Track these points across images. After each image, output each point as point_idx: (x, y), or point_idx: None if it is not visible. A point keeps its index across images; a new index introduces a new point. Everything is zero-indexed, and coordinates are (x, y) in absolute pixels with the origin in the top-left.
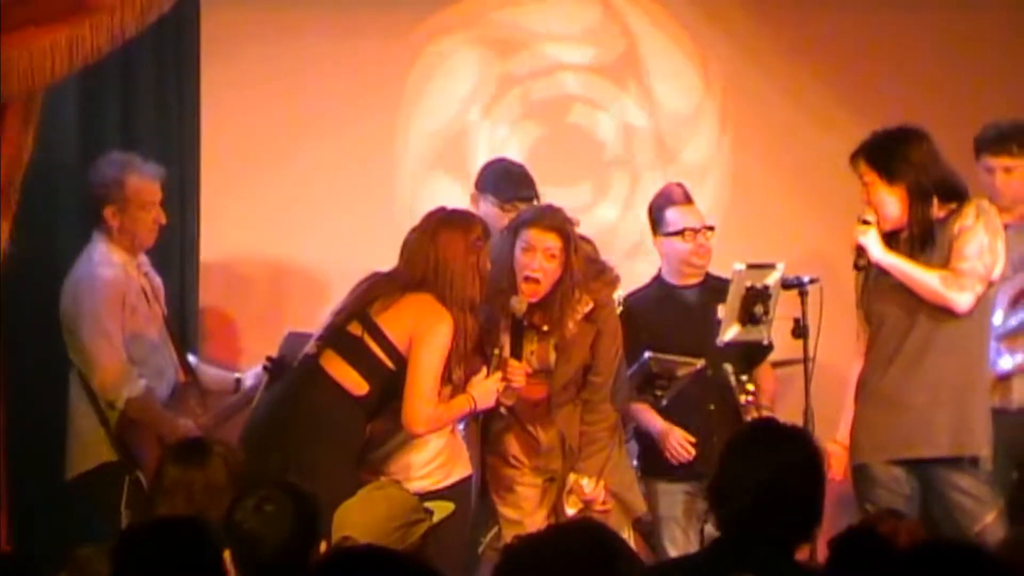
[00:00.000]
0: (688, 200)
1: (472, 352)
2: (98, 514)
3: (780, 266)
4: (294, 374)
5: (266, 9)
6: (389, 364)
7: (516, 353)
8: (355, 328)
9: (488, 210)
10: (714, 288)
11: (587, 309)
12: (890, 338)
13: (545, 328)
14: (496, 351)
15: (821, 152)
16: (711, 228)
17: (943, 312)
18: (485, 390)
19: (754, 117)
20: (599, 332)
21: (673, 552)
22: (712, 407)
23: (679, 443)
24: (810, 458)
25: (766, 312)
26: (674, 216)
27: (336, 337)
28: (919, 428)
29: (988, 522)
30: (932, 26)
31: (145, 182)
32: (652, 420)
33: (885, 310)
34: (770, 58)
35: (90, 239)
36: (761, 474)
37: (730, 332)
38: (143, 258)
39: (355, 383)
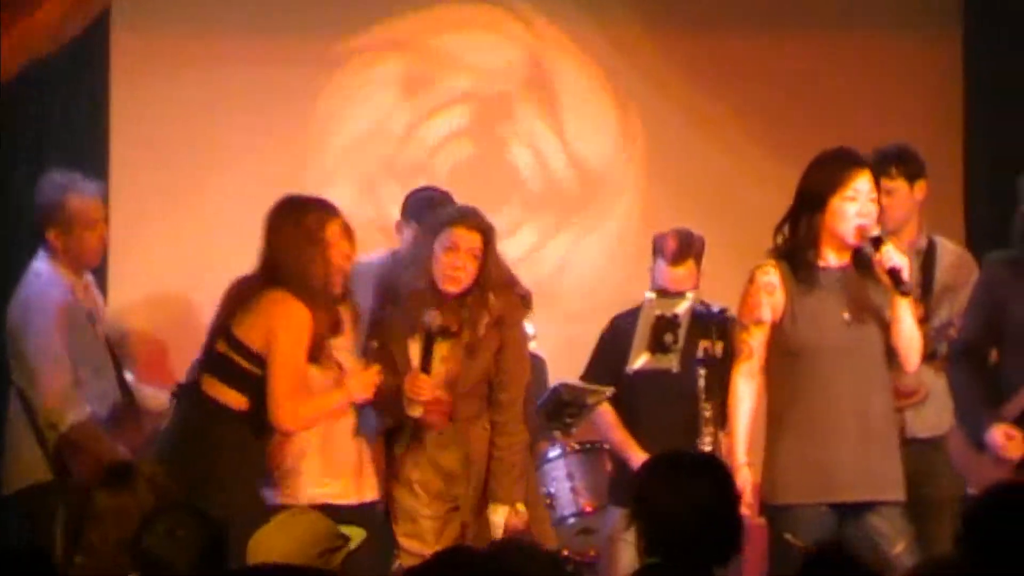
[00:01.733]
0: (679, 259)
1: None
2: (33, 533)
3: (689, 295)
4: (183, 402)
5: (176, 38)
6: (257, 371)
7: (425, 367)
8: (221, 346)
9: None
10: (698, 315)
11: (497, 314)
12: (824, 370)
13: (454, 329)
14: (375, 343)
15: (732, 183)
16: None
17: (877, 350)
18: (361, 382)
19: (667, 149)
20: (504, 344)
21: None
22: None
23: None
24: (729, 484)
25: (675, 340)
26: (658, 272)
27: (208, 360)
28: (854, 470)
29: (900, 550)
30: (844, 55)
31: (87, 202)
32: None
33: (821, 342)
34: (674, 86)
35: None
36: (685, 500)
37: (639, 360)
38: (89, 277)
39: (235, 399)
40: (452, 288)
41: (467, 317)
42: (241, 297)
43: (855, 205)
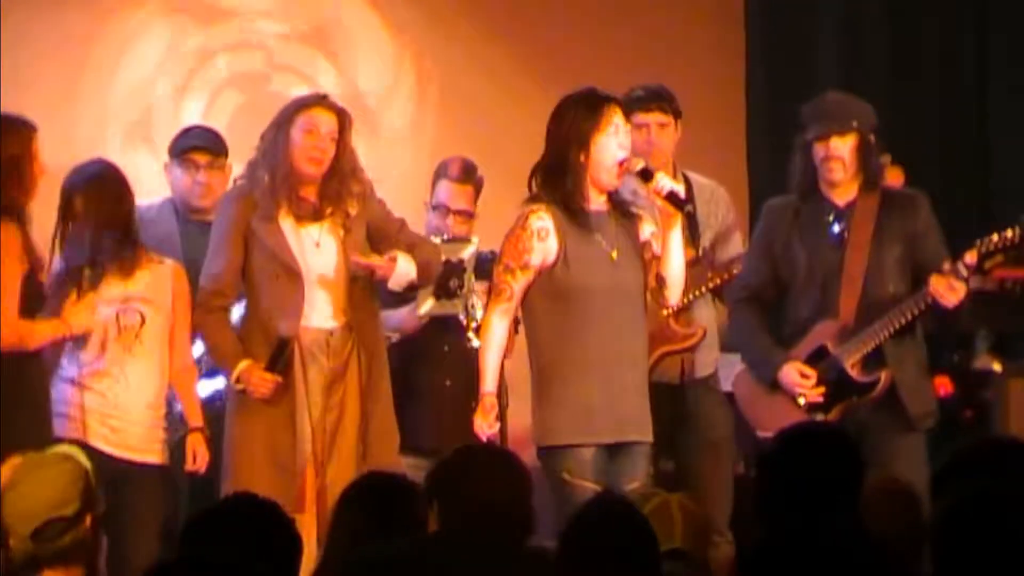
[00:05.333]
0: (464, 179)
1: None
2: None
3: (475, 240)
4: None
5: None
6: None
7: (271, 368)
8: None
9: (173, 171)
10: (483, 260)
11: (359, 191)
12: (592, 312)
13: (329, 211)
14: (87, 271)
15: (512, 125)
16: (466, 214)
17: (638, 293)
18: (78, 314)
19: (448, 94)
20: (371, 213)
21: None
22: (448, 383)
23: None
24: (522, 476)
25: (461, 286)
26: (441, 190)
27: None
28: (617, 412)
29: (633, 488)
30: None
31: None
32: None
33: (593, 283)
34: (463, 31)
35: None
36: (473, 504)
37: (425, 306)
38: None
39: None
40: (316, 170)
41: (334, 196)
42: None
43: (616, 139)
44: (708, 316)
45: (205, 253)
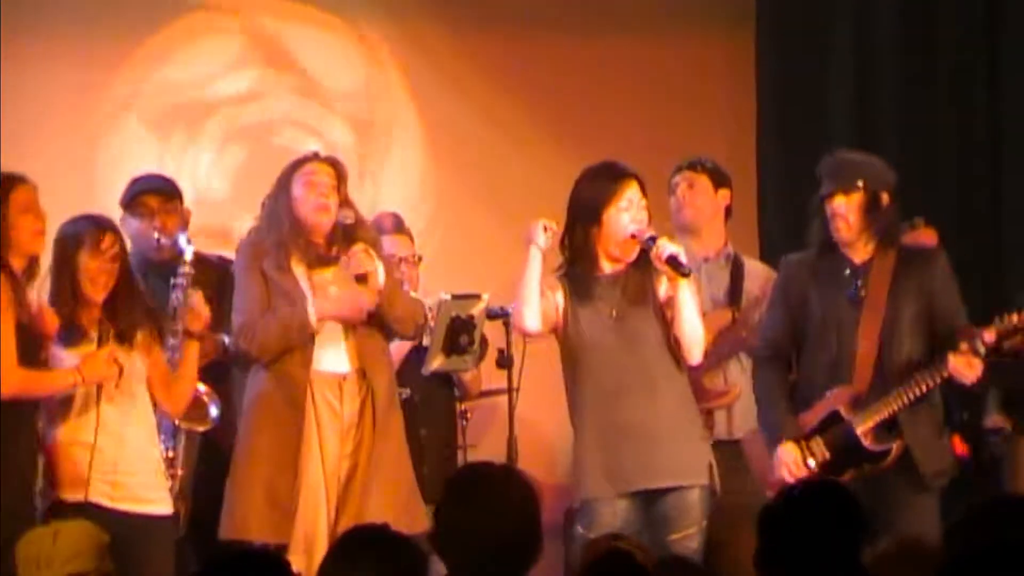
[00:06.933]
0: (398, 230)
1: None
2: None
3: (485, 297)
4: None
5: None
6: None
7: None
8: None
9: (128, 223)
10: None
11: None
12: (597, 367)
13: (337, 252)
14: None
15: (523, 180)
16: (414, 258)
17: (653, 343)
18: (94, 364)
19: (458, 147)
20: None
21: None
22: (424, 432)
23: None
24: (526, 497)
25: (471, 342)
26: (385, 244)
27: None
28: (639, 460)
29: (678, 536)
30: (626, 53)
31: None
32: None
33: (593, 340)
34: (472, 86)
35: None
36: (481, 519)
37: (435, 362)
38: None
39: None
40: (325, 219)
41: (342, 243)
42: None
43: (628, 214)
44: (745, 378)
45: (167, 302)
